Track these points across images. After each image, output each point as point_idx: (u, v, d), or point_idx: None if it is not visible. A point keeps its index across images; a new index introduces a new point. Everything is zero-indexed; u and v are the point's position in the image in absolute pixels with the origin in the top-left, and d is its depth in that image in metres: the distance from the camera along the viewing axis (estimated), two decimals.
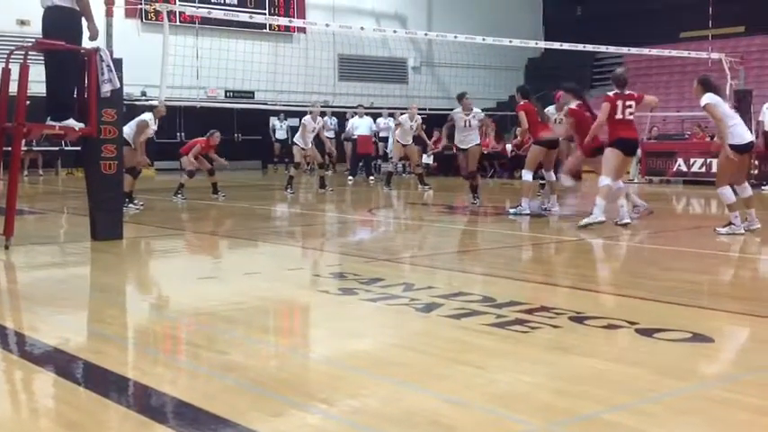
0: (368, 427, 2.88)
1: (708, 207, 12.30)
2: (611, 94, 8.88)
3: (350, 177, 18.60)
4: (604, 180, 8.59)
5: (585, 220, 8.52)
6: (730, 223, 8.11)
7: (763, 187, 14.19)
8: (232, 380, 3.46)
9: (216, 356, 3.87)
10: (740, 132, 7.98)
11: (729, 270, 6.75)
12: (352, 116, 20.02)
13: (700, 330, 4.11)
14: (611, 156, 8.68)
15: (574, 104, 10.01)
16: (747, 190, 8.29)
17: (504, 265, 6.91)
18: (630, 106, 8.82)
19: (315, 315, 5.10)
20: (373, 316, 4.84)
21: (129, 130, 11.26)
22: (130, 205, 11.14)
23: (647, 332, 4.13)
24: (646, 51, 16.29)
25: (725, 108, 8.13)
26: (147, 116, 11.51)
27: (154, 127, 11.68)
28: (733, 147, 7.85)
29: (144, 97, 19.03)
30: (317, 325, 4.86)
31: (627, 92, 8.88)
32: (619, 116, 8.72)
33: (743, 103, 13.72)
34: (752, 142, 8.30)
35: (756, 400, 3.12)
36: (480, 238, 9.09)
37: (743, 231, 8.04)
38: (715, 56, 14.79)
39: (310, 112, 14.80)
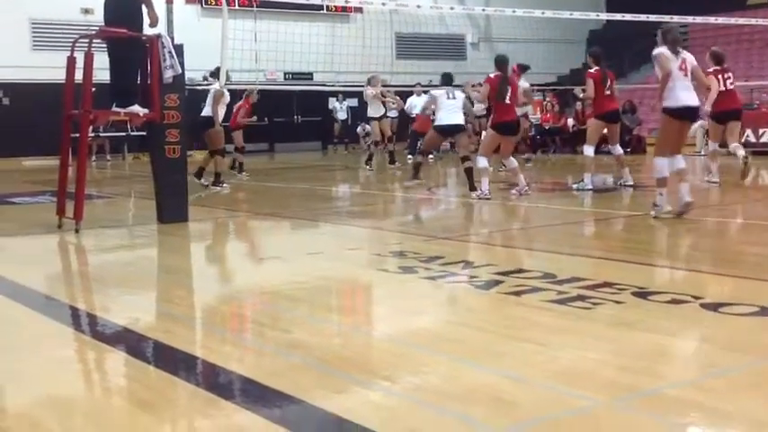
0: (430, 403, 2.91)
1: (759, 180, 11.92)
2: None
3: (409, 156, 18.58)
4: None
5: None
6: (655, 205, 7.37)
7: None
8: (297, 357, 3.53)
9: (280, 335, 3.96)
10: (677, 95, 7.01)
11: None
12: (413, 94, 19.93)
13: (766, 303, 4.02)
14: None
15: (593, 69, 10.21)
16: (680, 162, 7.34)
17: (566, 242, 6.84)
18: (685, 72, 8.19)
19: (375, 293, 5.15)
20: (433, 294, 4.87)
21: (209, 109, 11.71)
22: (221, 185, 11.88)
23: (713, 306, 4.06)
24: (711, 20, 15.80)
25: (674, 66, 7.07)
26: (216, 85, 11.95)
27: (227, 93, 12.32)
28: (667, 110, 7.03)
29: (205, 81, 19.30)
30: (378, 303, 4.91)
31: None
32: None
33: None
34: (689, 108, 7.15)
35: None
36: (541, 215, 9.01)
37: (668, 210, 7.25)
38: None
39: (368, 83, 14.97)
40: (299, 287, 5.02)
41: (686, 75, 6.99)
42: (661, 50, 7.06)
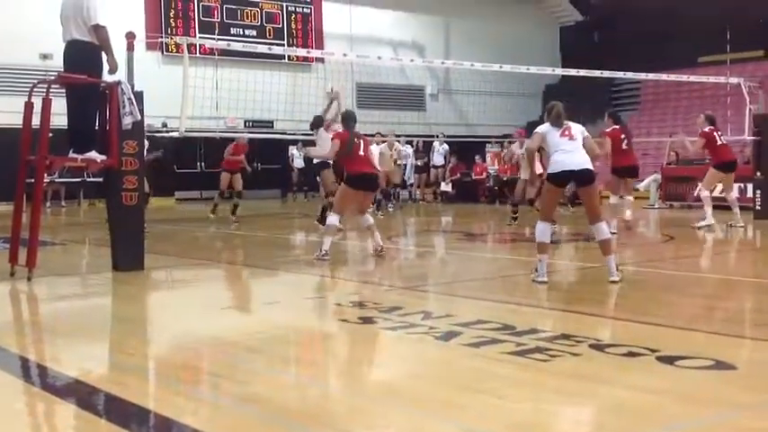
0: None
1: (728, 232, 12.19)
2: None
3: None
4: None
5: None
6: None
7: None
8: (253, 411, 3.46)
9: (236, 387, 3.89)
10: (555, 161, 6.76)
11: (750, 296, 6.68)
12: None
13: (722, 357, 4.07)
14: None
15: (610, 129, 11.01)
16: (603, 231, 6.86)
17: (525, 293, 6.87)
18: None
19: (335, 344, 5.11)
20: (393, 345, 4.84)
21: None
22: None
23: (669, 359, 4.10)
24: (663, 77, 16.28)
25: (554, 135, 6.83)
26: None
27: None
28: (548, 176, 6.91)
29: (165, 128, 19.24)
30: (337, 355, 4.86)
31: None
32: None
33: (763, 128, 13.62)
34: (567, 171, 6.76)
35: None
36: (501, 265, 9.07)
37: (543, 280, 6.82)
38: (734, 80, 14.73)
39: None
40: (256, 338, 4.96)
41: (570, 139, 6.69)
42: (538, 129, 7.02)
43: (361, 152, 8.99)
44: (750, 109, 13.96)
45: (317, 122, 12.54)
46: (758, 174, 13.50)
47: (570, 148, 6.66)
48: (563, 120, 6.77)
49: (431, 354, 4.56)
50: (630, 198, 11.88)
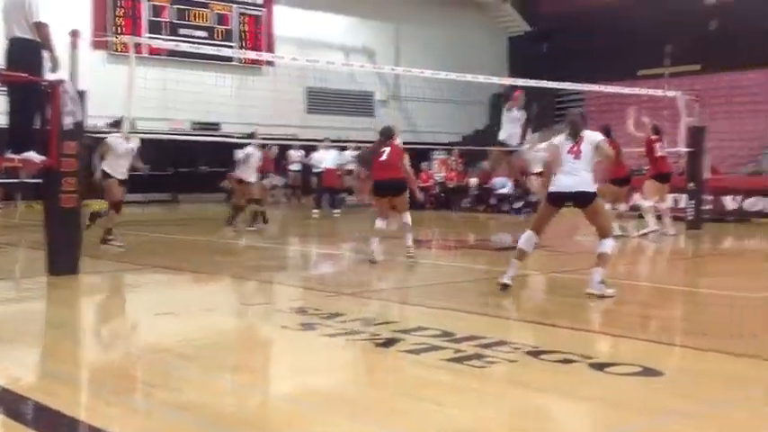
0: None
1: (665, 241, 12.48)
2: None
3: (315, 210, 18.59)
4: None
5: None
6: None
7: None
8: (187, 419, 3.42)
9: (171, 395, 3.83)
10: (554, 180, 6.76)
11: (679, 304, 6.85)
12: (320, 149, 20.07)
13: (650, 364, 4.17)
14: None
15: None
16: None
17: (465, 299, 6.94)
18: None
19: (274, 351, 5.08)
20: (333, 351, 4.83)
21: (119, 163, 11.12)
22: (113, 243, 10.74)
23: (600, 366, 4.18)
24: (604, 88, 16.63)
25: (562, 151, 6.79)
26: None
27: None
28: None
29: (108, 129, 18.92)
30: (276, 361, 4.84)
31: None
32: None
33: (697, 140, 14.02)
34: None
35: None
36: (442, 272, 9.13)
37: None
38: (671, 93, 15.11)
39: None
40: (192, 345, 4.90)
41: (576, 158, 6.57)
42: (554, 140, 6.95)
43: (383, 158, 9.25)
44: (685, 122, 14.34)
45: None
46: (691, 184, 13.86)
47: (570, 169, 6.52)
48: (579, 131, 6.54)
49: (371, 360, 4.58)
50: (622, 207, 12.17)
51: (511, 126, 12.62)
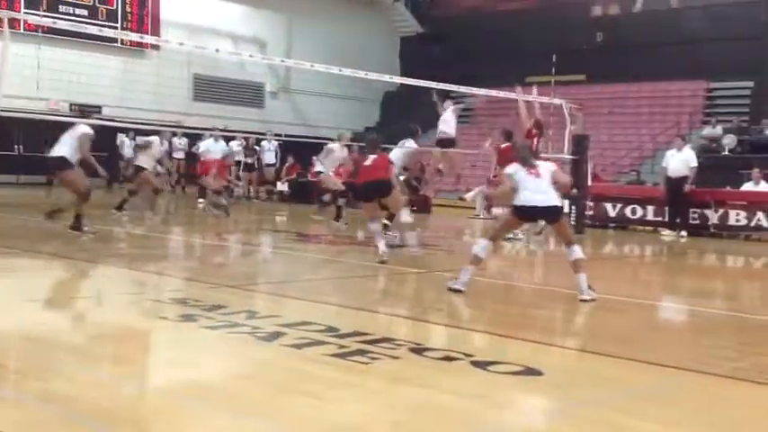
0: None
1: (555, 244, 12.90)
2: None
3: (200, 200, 18.17)
4: None
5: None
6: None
7: (663, 233, 14.84)
8: (55, 410, 3.25)
9: (40, 384, 3.64)
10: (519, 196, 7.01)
11: (565, 306, 7.08)
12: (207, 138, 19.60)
13: (530, 364, 4.27)
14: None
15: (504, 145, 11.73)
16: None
17: (352, 295, 6.93)
18: None
19: (151, 343, 4.91)
20: (213, 344, 4.71)
21: (69, 149, 10.20)
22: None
23: (482, 364, 4.25)
24: (493, 93, 17.00)
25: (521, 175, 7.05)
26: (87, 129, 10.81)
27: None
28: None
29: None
30: (154, 353, 4.68)
31: None
32: None
33: (580, 148, 14.56)
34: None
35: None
36: (332, 268, 9.10)
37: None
38: (557, 101, 15.63)
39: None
40: (66, 334, 4.67)
41: (537, 177, 6.90)
42: (507, 170, 7.20)
43: (368, 163, 9.26)
44: (570, 129, 14.86)
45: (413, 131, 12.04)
46: (574, 191, 14.40)
47: (536, 187, 6.78)
48: (530, 160, 6.93)
49: (252, 354, 4.48)
50: None
51: (451, 119, 12.94)
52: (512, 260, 10.69)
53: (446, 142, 13.23)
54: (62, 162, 10.15)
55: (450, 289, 6.72)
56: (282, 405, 3.47)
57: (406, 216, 9.54)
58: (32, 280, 7.20)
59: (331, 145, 14.42)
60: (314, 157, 15.69)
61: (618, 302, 6.90)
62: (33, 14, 20.28)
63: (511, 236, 11.91)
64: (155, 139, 13.96)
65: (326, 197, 14.76)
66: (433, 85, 14.75)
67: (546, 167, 7.05)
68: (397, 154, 11.88)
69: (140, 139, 13.99)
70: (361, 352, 4.37)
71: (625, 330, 5.72)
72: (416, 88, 15.18)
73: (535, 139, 12.54)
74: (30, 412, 3.28)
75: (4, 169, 22.10)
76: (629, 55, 24.51)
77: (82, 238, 9.84)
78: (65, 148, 10.16)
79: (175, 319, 5.21)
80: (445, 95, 13.39)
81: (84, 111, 13.42)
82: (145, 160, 13.59)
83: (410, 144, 12.21)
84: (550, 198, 6.85)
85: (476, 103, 26.23)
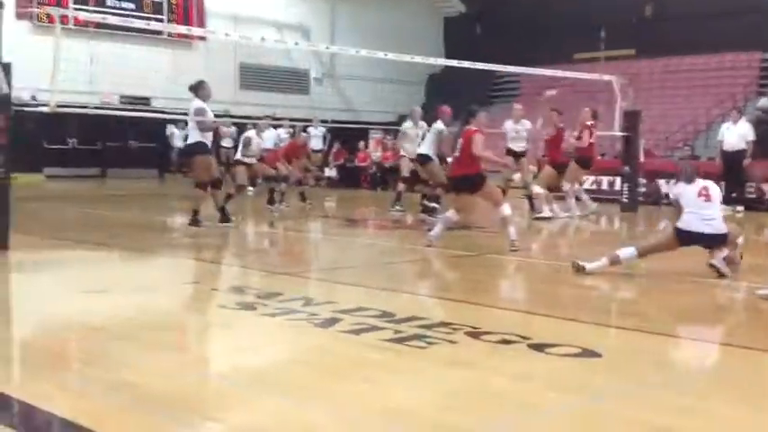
0: None
1: (600, 224, 12.75)
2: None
3: (250, 189, 18.34)
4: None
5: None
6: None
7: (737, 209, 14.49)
8: (122, 398, 3.34)
9: (104, 374, 3.74)
10: None
11: (618, 286, 7.01)
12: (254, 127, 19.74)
13: (588, 346, 4.25)
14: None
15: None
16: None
17: (405, 280, 6.96)
18: None
19: (211, 331, 5.00)
20: (271, 331, 4.78)
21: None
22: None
23: (539, 347, 4.24)
24: (540, 72, 16.78)
25: None
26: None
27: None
28: None
29: (34, 101, 18.26)
30: (213, 341, 4.76)
31: None
32: None
33: (631, 124, 14.32)
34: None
35: (638, 414, 3.24)
36: (382, 252, 9.13)
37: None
38: (606, 77, 15.38)
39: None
40: (128, 323, 4.78)
41: (707, 200, 6.90)
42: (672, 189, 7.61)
43: (456, 153, 8.36)
44: (620, 106, 14.62)
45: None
46: (626, 168, 14.18)
47: (703, 212, 6.77)
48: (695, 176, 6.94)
49: (309, 340, 4.54)
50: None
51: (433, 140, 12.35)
52: (555, 239, 10.59)
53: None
54: (194, 148, 9.90)
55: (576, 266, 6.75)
56: (340, 390, 3.52)
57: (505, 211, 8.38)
58: (91, 271, 7.38)
59: (249, 133, 13.48)
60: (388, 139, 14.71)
61: (673, 281, 6.80)
62: (83, 10, 20.63)
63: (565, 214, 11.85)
64: (251, 133, 13.55)
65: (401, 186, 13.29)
66: (479, 66, 14.64)
67: (713, 189, 6.89)
68: (430, 138, 11.64)
69: (244, 137, 13.73)
70: (418, 336, 4.40)
71: (685, 310, 5.64)
72: (461, 70, 15.10)
73: (593, 130, 12.26)
74: (96, 401, 3.38)
75: (59, 162, 22.63)
76: (680, 27, 23.91)
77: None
78: (194, 133, 9.98)
79: (233, 308, 5.29)
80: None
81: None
82: (245, 153, 13.10)
83: (438, 127, 11.63)
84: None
85: (521, 83, 25.90)
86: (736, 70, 23.52)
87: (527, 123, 12.73)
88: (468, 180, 8.17)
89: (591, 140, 12.27)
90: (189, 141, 10.03)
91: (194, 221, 9.83)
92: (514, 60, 16.36)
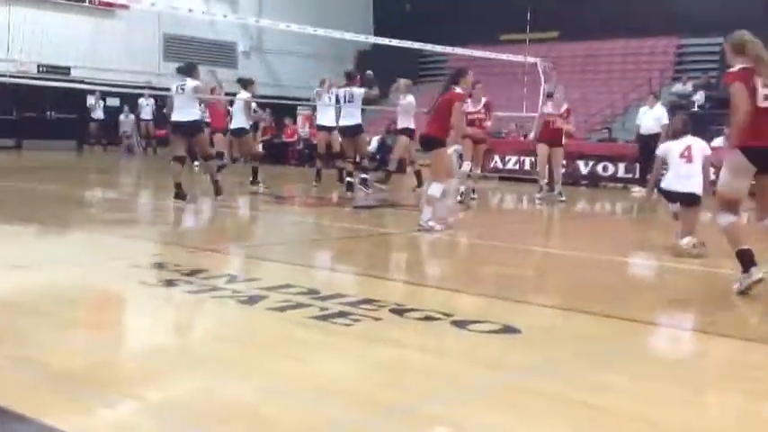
0: (181, 421, 2.81)
1: (520, 203, 13.01)
2: None
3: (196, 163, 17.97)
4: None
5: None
6: None
7: (633, 190, 14.80)
8: (34, 375, 3.26)
9: (15, 350, 3.63)
10: None
11: (540, 264, 7.18)
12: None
13: (509, 322, 4.35)
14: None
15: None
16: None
17: (331, 257, 6.96)
18: None
19: (131, 308, 4.90)
20: (193, 309, 4.73)
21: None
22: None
23: (462, 324, 4.31)
24: (468, 52, 16.95)
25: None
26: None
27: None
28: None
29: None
30: (133, 318, 4.67)
31: None
32: None
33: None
34: None
35: (557, 388, 3.34)
36: (307, 229, 9.11)
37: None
38: (531, 59, 15.63)
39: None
40: (41, 299, 4.65)
41: (689, 162, 7.25)
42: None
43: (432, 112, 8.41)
44: (544, 87, 14.89)
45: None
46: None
47: (685, 172, 7.13)
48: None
49: (234, 317, 4.51)
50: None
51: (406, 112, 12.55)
52: (483, 218, 10.75)
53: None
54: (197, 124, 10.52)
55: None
56: (266, 367, 3.51)
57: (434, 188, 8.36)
58: (7, 247, 7.14)
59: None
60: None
61: (588, 260, 7.00)
62: None
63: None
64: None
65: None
66: (407, 44, 14.67)
67: (698, 145, 7.22)
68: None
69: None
70: (343, 314, 4.41)
71: (598, 287, 5.82)
72: (390, 47, 15.11)
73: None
74: (5, 378, 3.28)
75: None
76: (602, 11, 24.43)
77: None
78: (192, 111, 10.37)
79: (155, 284, 5.21)
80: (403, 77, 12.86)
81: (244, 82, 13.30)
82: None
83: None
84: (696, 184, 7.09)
85: (449, 62, 26.05)
86: (653, 55, 24.22)
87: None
88: (433, 142, 8.16)
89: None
90: (188, 118, 10.23)
91: (219, 191, 10.69)
92: (442, 40, 16.46)
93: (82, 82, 21.35)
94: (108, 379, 3.31)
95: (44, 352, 3.60)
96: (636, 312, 4.85)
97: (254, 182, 12.69)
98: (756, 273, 5.17)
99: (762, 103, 5.15)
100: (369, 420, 2.91)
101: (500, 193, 14.92)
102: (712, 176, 7.08)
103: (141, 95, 21.90)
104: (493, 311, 4.72)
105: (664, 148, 7.44)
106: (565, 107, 12.17)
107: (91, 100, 22.88)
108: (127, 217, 9.37)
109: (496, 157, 17.88)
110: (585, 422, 2.97)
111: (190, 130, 10.29)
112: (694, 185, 7.05)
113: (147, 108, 22.36)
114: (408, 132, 12.65)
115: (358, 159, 12.69)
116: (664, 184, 7.30)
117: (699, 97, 20.57)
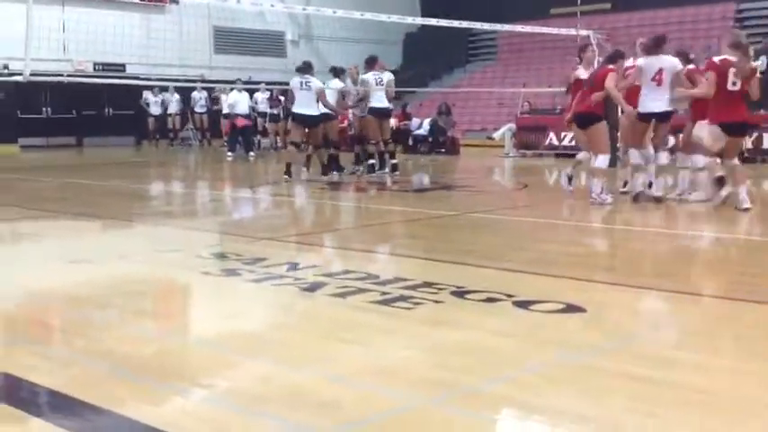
0: (250, 409, 2.86)
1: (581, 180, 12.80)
2: None
3: (229, 153, 18.24)
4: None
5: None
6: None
7: None
8: (108, 367, 3.34)
9: (89, 343, 3.73)
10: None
11: (600, 241, 7.07)
12: (230, 91, 19.56)
13: (572, 301, 4.29)
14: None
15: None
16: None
17: (389, 242, 6.97)
18: None
19: (195, 298, 5.00)
20: (256, 297, 4.79)
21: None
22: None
23: (524, 304, 4.28)
24: (518, 28, 16.73)
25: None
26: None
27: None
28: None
29: (6, 71, 17.95)
30: (198, 308, 4.76)
31: None
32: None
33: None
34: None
35: (625, 367, 3.29)
36: (362, 215, 9.14)
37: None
38: (583, 32, 15.34)
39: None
40: (111, 292, 4.77)
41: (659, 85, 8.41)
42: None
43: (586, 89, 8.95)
44: (599, 60, 14.58)
45: None
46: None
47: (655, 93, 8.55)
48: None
49: (296, 305, 4.55)
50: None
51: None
52: (541, 196, 10.62)
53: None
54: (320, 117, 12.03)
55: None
56: (329, 352, 3.53)
57: (599, 161, 8.86)
58: (70, 241, 7.34)
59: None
60: None
61: (656, 235, 6.87)
62: None
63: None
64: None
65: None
66: (455, 24, 14.54)
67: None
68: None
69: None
70: (404, 297, 4.42)
71: (666, 263, 5.70)
72: (438, 28, 15.00)
73: None
74: (80, 370, 3.37)
75: (34, 132, 22.33)
76: None
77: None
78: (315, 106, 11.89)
79: (218, 274, 5.29)
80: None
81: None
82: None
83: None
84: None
85: (498, 40, 25.78)
86: (711, 22, 23.55)
87: None
88: (588, 118, 8.81)
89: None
90: (310, 113, 11.86)
91: (326, 171, 12.18)
92: (491, 18, 16.28)
93: (137, 78, 21.74)
94: (177, 368, 3.38)
95: (116, 344, 3.69)
96: (699, 287, 4.75)
97: (338, 168, 12.80)
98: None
99: None
100: (433, 402, 2.91)
101: (557, 171, 14.73)
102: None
103: (194, 89, 22.18)
104: (555, 291, 4.67)
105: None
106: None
107: (147, 95, 23.23)
108: (186, 209, 9.53)
109: (552, 134, 17.65)
110: (650, 398, 2.92)
111: (309, 122, 11.91)
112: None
113: (200, 101, 22.64)
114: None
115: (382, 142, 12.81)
116: (640, 108, 8.43)
117: (760, 63, 19.91)
